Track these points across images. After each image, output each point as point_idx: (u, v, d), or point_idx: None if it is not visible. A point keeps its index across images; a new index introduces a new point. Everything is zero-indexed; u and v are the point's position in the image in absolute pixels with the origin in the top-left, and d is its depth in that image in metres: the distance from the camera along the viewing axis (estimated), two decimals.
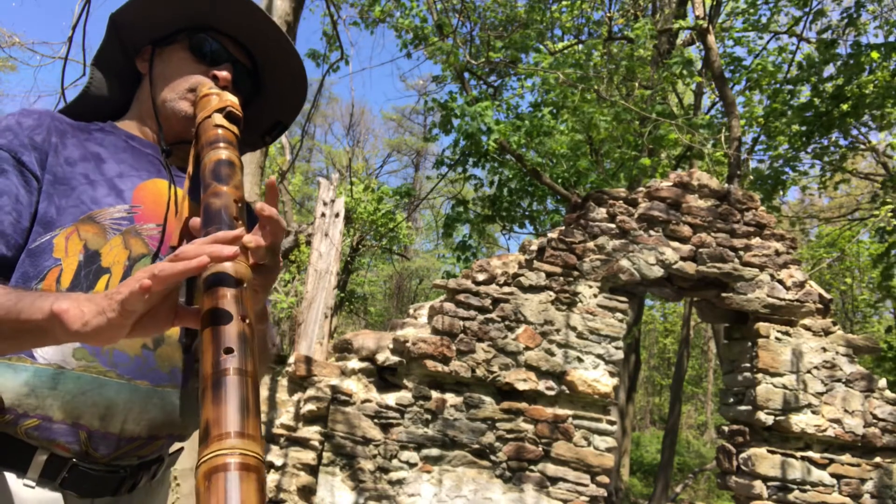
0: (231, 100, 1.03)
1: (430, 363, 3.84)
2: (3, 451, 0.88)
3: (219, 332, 0.70)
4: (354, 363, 3.99)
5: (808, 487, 3.92)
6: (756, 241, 4.23)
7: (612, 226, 4.18)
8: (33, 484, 0.89)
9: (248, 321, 0.73)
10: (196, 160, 1.06)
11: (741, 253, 4.18)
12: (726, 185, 4.42)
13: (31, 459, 0.88)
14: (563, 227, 4.27)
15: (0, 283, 0.87)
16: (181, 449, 1.14)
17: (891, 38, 7.37)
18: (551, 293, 4.05)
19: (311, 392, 3.91)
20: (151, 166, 1.08)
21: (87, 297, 0.75)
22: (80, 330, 0.72)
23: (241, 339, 0.70)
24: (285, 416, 3.96)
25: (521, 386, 3.91)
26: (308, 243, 10.20)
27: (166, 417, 0.98)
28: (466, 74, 8.77)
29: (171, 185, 1.06)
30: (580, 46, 9.64)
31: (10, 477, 0.88)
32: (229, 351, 0.69)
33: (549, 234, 4.23)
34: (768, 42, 9.11)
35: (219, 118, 0.99)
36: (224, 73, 1.09)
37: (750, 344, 4.20)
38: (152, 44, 1.13)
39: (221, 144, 0.95)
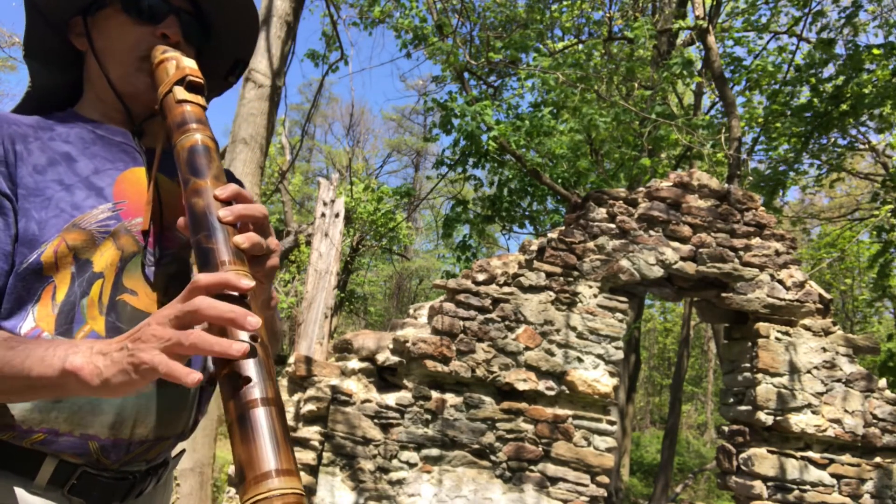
0: (189, 65, 0.93)
1: (430, 363, 3.84)
2: (11, 458, 0.86)
3: (235, 361, 0.69)
4: (354, 363, 4.00)
5: (807, 487, 3.92)
6: (756, 241, 4.23)
7: (612, 226, 4.18)
8: (40, 492, 0.87)
9: (259, 340, 0.71)
10: (166, 138, 1.00)
11: (741, 253, 4.18)
12: (726, 185, 4.42)
13: (39, 466, 0.87)
14: (563, 227, 4.27)
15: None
16: (183, 451, 1.13)
17: (891, 38, 7.37)
18: (551, 293, 4.05)
19: (311, 392, 3.91)
20: (126, 155, 1.01)
21: (99, 348, 0.73)
22: (99, 387, 0.71)
23: (258, 365, 0.69)
24: None
25: (521, 386, 3.91)
26: (308, 243, 10.20)
27: (171, 417, 0.97)
28: (466, 74, 8.76)
29: (149, 171, 1.00)
30: (580, 46, 9.64)
31: (17, 483, 0.86)
32: (247, 381, 0.67)
33: (549, 234, 4.22)
34: (768, 42, 9.11)
35: (181, 92, 0.91)
36: (172, 30, 0.99)
37: (750, 344, 4.20)
38: (81, 14, 1.01)
39: (193, 126, 0.87)
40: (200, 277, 0.71)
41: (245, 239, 0.77)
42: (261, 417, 0.65)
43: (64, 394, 0.76)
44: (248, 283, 0.71)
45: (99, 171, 0.96)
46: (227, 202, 0.80)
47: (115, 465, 0.92)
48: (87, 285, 0.90)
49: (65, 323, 0.88)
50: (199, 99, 0.92)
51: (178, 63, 0.94)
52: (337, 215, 6.62)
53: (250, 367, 0.68)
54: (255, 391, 0.66)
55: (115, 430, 0.90)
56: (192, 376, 0.66)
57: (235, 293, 0.72)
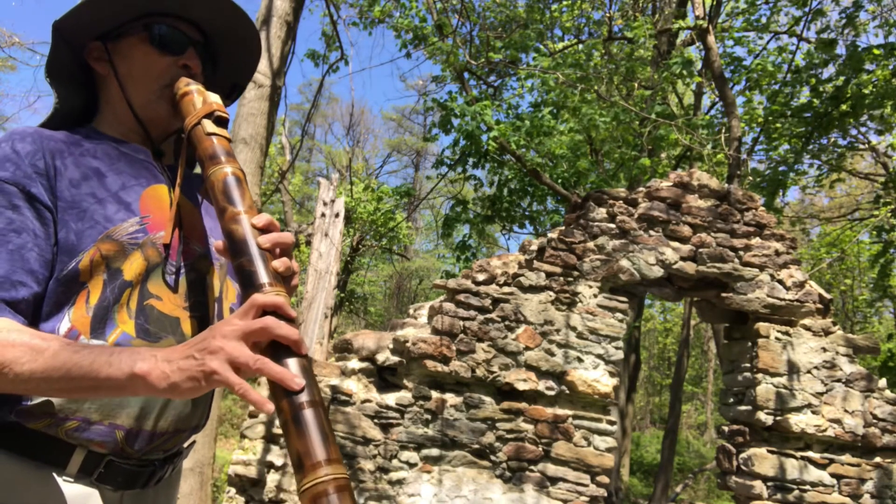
0: (215, 101, 1.04)
1: (430, 363, 3.84)
2: (45, 449, 0.94)
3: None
4: (354, 363, 4.00)
5: (807, 487, 3.92)
6: (756, 241, 4.23)
7: (612, 226, 4.18)
8: (72, 479, 0.95)
9: (305, 353, 0.83)
10: (188, 162, 1.11)
11: (741, 253, 4.18)
12: (726, 185, 4.42)
13: (70, 456, 0.95)
14: (563, 227, 4.26)
15: (32, 323, 0.93)
16: (194, 442, 1.22)
17: (891, 38, 7.36)
18: (551, 293, 4.05)
19: None
20: (147, 172, 1.10)
21: (164, 356, 0.82)
22: (166, 390, 0.81)
23: (305, 374, 0.80)
24: None
25: (521, 386, 3.91)
26: (308, 243, 10.20)
27: (190, 411, 1.07)
28: (466, 74, 8.76)
29: (170, 189, 1.10)
30: (580, 46, 9.64)
31: (52, 473, 0.94)
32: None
33: (549, 234, 4.22)
34: (768, 42, 9.11)
35: (209, 125, 1.01)
36: (194, 62, 1.10)
37: (750, 344, 4.20)
38: (101, 39, 1.10)
39: (223, 158, 0.99)
40: (258, 297, 0.83)
41: (281, 264, 0.91)
42: (311, 417, 0.77)
43: (127, 394, 0.87)
44: (293, 313, 0.85)
45: (126, 187, 1.06)
46: (262, 230, 0.93)
47: (138, 454, 1.01)
48: (119, 292, 1.00)
49: (99, 326, 0.98)
50: (225, 132, 1.03)
51: (205, 98, 1.04)
52: (337, 215, 6.62)
53: (301, 375, 0.80)
54: (305, 395, 0.78)
55: (139, 421, 0.99)
56: (268, 406, 0.78)
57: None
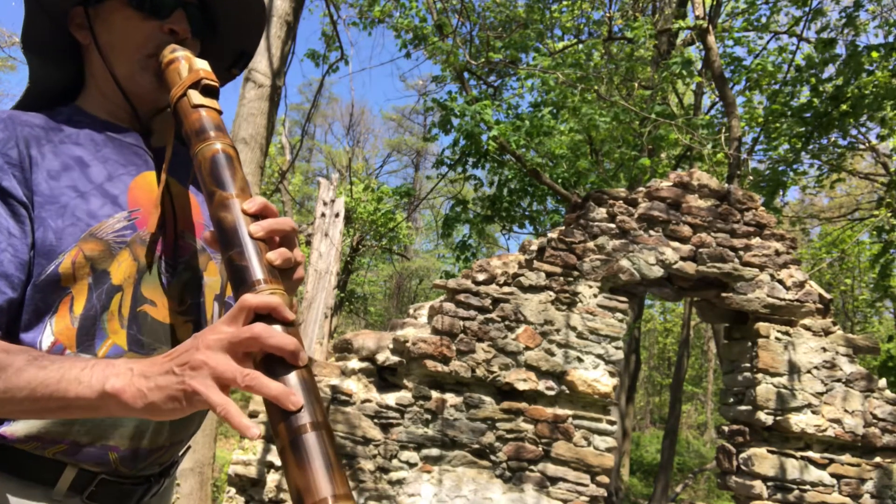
0: (202, 67, 0.90)
1: (430, 363, 3.84)
2: (33, 468, 0.86)
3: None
4: (354, 363, 4.00)
5: (807, 487, 3.92)
6: (756, 241, 4.23)
7: (612, 226, 4.18)
8: (60, 499, 0.87)
9: (305, 365, 0.70)
10: (178, 138, 0.99)
11: (741, 253, 4.18)
12: (726, 185, 4.42)
13: (59, 475, 0.87)
14: (563, 227, 4.27)
15: (8, 340, 0.82)
16: (188, 448, 1.16)
17: (890, 38, 7.37)
18: (551, 293, 4.05)
19: None
20: (138, 158, 0.98)
21: (140, 370, 0.71)
22: (142, 409, 0.70)
23: (305, 390, 0.68)
24: None
25: (521, 386, 3.91)
26: (308, 243, 10.20)
27: (185, 423, 0.99)
28: (466, 74, 8.76)
29: (158, 174, 0.98)
30: (580, 46, 9.64)
31: (39, 491, 0.87)
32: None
33: (549, 234, 4.22)
34: (768, 42, 9.11)
35: (196, 96, 0.88)
36: (181, 26, 0.96)
37: (750, 344, 4.20)
38: (82, 4, 0.97)
39: (212, 134, 0.85)
40: (249, 299, 0.70)
41: (277, 256, 0.76)
42: (313, 442, 0.65)
43: (101, 414, 0.74)
44: (290, 315, 0.71)
45: (112, 178, 0.93)
46: (255, 216, 0.79)
47: (133, 471, 0.93)
48: (107, 298, 0.89)
49: (86, 338, 0.87)
50: (215, 103, 0.90)
51: (191, 65, 0.91)
52: (337, 215, 6.62)
53: (298, 392, 0.67)
54: (305, 416, 0.66)
55: (134, 441, 0.90)
56: (253, 431, 0.65)
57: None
